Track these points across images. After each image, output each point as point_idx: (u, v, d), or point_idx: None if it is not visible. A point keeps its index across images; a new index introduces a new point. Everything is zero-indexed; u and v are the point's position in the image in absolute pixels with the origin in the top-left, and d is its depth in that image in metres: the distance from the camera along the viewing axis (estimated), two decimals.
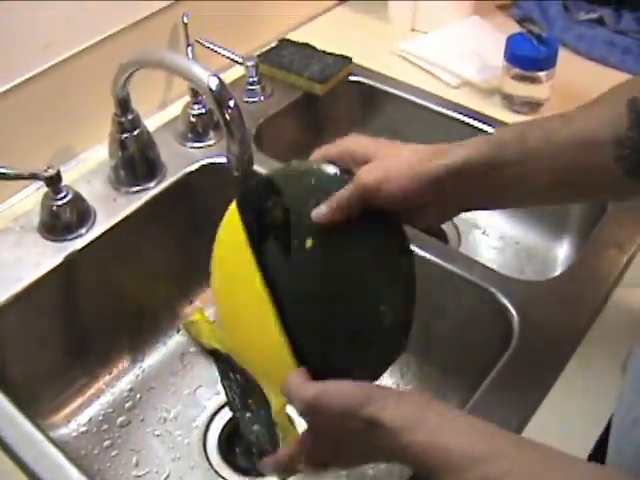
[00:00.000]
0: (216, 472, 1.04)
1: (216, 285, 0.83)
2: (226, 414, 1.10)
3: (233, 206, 0.80)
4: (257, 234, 0.76)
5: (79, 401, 1.12)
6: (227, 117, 0.87)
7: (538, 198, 0.79)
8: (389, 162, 0.74)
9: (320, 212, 0.72)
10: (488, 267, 1.01)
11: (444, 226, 0.82)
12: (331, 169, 0.78)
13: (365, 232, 0.75)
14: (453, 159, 0.72)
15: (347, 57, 1.36)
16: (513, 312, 0.94)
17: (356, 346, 0.74)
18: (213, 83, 0.86)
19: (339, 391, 0.67)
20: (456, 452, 0.62)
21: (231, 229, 0.79)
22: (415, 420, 0.64)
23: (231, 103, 0.87)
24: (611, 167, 0.70)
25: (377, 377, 0.76)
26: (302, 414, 0.69)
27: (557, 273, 1.03)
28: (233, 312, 0.80)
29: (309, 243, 0.73)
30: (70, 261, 1.04)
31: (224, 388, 1.07)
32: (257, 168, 1.01)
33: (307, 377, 0.70)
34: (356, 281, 0.74)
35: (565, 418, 0.84)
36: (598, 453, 0.80)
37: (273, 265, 0.74)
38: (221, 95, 0.87)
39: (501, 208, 1.01)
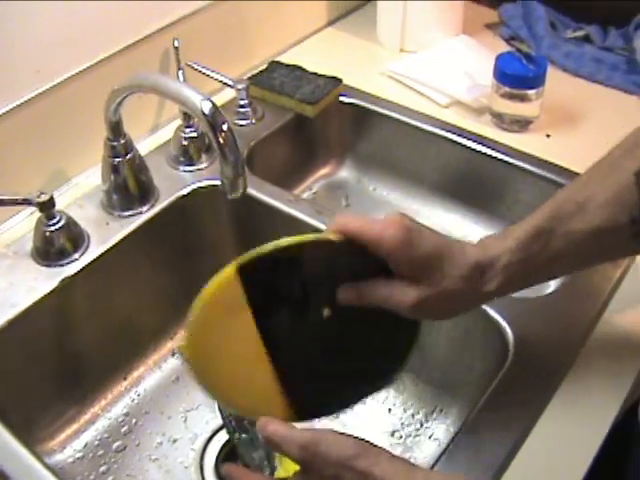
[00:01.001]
0: None
1: (205, 350, 0.75)
2: (223, 437, 1.09)
3: (231, 274, 0.73)
4: (264, 303, 0.73)
5: (75, 426, 1.11)
6: (221, 141, 0.87)
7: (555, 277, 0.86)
8: (437, 295, 0.74)
9: (347, 296, 0.75)
10: None
11: None
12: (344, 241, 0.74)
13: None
14: (495, 284, 0.74)
15: (337, 78, 1.37)
16: (507, 330, 0.94)
17: (345, 401, 0.80)
18: (206, 107, 0.87)
19: (337, 441, 0.69)
20: None
21: (231, 296, 0.73)
22: (406, 473, 0.67)
23: (224, 127, 0.87)
24: (628, 243, 0.73)
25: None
26: (300, 458, 0.69)
27: (550, 290, 1.03)
28: (230, 377, 0.75)
29: (326, 312, 0.75)
30: (64, 286, 1.03)
31: (220, 411, 1.07)
32: (249, 190, 1.02)
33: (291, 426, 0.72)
34: (364, 345, 0.78)
35: (561, 436, 0.84)
36: (594, 471, 0.81)
37: (281, 332, 0.74)
38: (214, 119, 0.87)
39: None
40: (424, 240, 0.73)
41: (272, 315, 0.73)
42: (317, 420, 0.79)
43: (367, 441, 0.70)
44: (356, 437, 0.70)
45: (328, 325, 0.76)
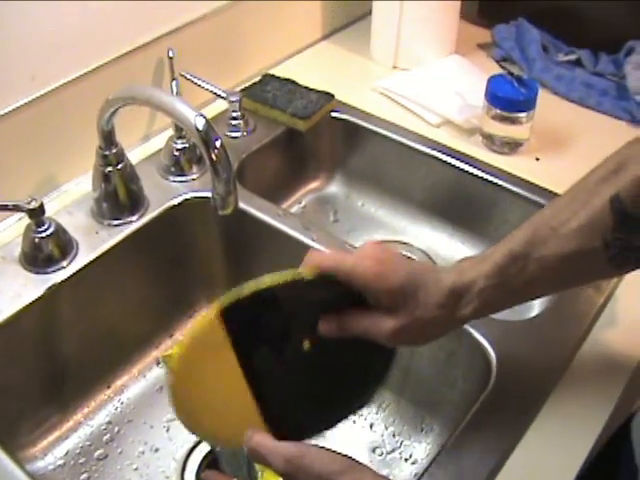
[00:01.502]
0: None
1: (187, 388, 0.75)
2: (204, 448, 1.09)
3: (212, 317, 0.73)
4: (246, 343, 0.74)
5: (57, 434, 1.11)
6: (213, 158, 0.87)
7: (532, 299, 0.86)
8: (413, 323, 0.75)
9: (328, 329, 0.76)
10: None
11: None
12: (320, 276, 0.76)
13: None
14: (470, 309, 0.75)
15: (330, 94, 1.37)
16: (491, 352, 0.94)
17: (325, 424, 0.81)
18: (200, 123, 0.87)
19: (322, 456, 0.69)
20: None
21: (213, 337, 0.74)
22: None
23: (217, 143, 0.88)
24: (604, 267, 0.73)
25: None
26: (284, 471, 0.70)
27: (534, 313, 1.04)
28: (212, 411, 0.76)
29: (307, 345, 0.76)
30: (51, 293, 1.03)
31: None
32: (240, 204, 1.02)
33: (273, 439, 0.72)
34: (343, 370, 0.80)
35: (543, 458, 0.84)
36: None
37: (263, 367, 0.75)
38: (208, 135, 0.87)
39: None
40: (398, 271, 0.74)
41: (254, 353, 0.74)
42: None
43: (352, 458, 0.70)
44: (341, 453, 0.70)
45: (308, 356, 0.77)
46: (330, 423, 0.81)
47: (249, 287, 0.72)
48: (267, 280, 0.73)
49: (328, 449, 0.70)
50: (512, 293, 0.76)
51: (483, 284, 0.74)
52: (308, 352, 0.76)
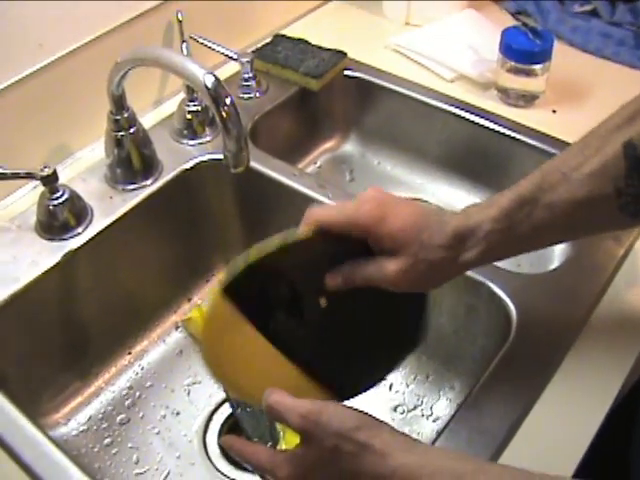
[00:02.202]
0: (216, 468, 1.04)
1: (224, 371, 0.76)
2: (226, 410, 1.10)
3: (218, 298, 0.74)
4: (260, 313, 0.74)
5: (78, 399, 1.12)
6: (224, 115, 0.87)
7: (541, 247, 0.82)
8: (417, 263, 0.74)
9: (334, 281, 0.76)
10: None
11: None
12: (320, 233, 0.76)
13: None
14: (475, 253, 0.74)
15: (342, 52, 1.36)
16: (511, 305, 0.94)
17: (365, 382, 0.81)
18: (209, 81, 0.86)
19: (338, 412, 0.69)
20: (446, 469, 0.64)
21: (226, 317, 0.74)
22: (406, 446, 0.67)
23: (227, 101, 0.87)
24: (615, 216, 0.72)
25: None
26: (300, 428, 0.69)
27: (553, 266, 1.03)
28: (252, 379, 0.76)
29: (323, 302, 0.76)
30: (67, 260, 1.03)
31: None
32: (253, 164, 1.01)
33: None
34: (371, 324, 0.79)
35: (563, 412, 0.84)
36: (595, 450, 0.81)
37: (287, 333, 0.75)
38: (217, 93, 0.87)
39: None
40: (400, 212, 0.74)
41: (270, 321, 0.74)
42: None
43: (369, 414, 0.70)
44: (358, 409, 0.70)
45: (329, 313, 0.77)
46: (375, 378, 0.82)
47: (241, 261, 0.73)
48: (254, 252, 0.73)
49: (345, 406, 0.70)
50: (519, 239, 0.74)
51: (489, 227, 0.73)
52: (327, 309, 0.76)
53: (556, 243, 0.92)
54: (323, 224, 0.74)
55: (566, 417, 0.84)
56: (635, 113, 0.72)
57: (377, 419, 0.70)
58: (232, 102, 0.87)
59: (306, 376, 0.75)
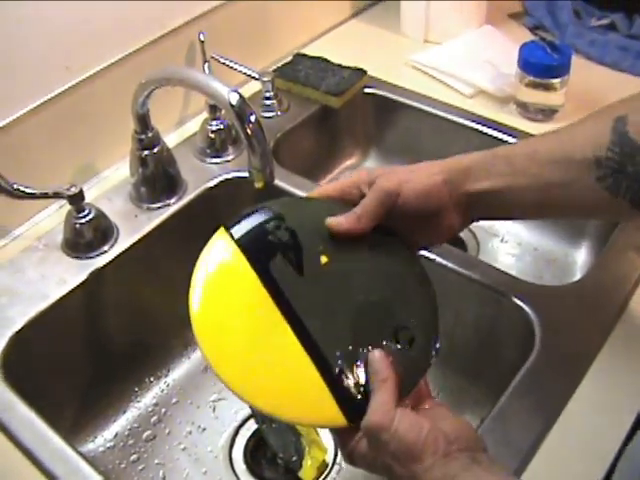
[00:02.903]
0: None
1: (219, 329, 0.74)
2: (251, 426, 1.10)
3: (222, 239, 0.78)
4: (262, 259, 0.75)
5: (105, 416, 1.13)
6: (248, 132, 0.88)
7: (525, 214, 0.83)
8: (405, 172, 0.77)
9: (338, 221, 0.76)
10: (508, 273, 1.01)
11: (463, 234, 0.83)
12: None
13: (374, 243, 0.78)
14: (482, 185, 0.76)
15: (362, 70, 1.37)
16: (534, 318, 0.94)
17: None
18: (234, 99, 0.87)
19: (400, 433, 0.65)
20: None
21: (228, 264, 0.76)
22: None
23: (252, 118, 0.88)
24: (594, 187, 0.72)
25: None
26: (365, 435, 0.68)
27: (576, 278, 1.04)
28: (249, 350, 0.72)
29: (324, 259, 0.76)
30: (94, 278, 1.05)
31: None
32: (276, 181, 1.02)
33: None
34: (376, 287, 0.77)
35: (589, 421, 0.84)
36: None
37: (287, 289, 0.74)
38: (242, 110, 0.88)
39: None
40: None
41: (271, 266, 0.74)
42: None
43: (429, 432, 0.66)
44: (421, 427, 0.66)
45: (330, 272, 0.76)
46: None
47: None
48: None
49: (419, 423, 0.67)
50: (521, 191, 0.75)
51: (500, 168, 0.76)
52: (327, 268, 0.76)
53: (535, 216, 0.96)
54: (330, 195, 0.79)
55: (591, 428, 0.84)
56: (630, 97, 0.74)
57: (435, 437, 0.65)
58: (256, 119, 0.89)
59: (294, 333, 0.72)
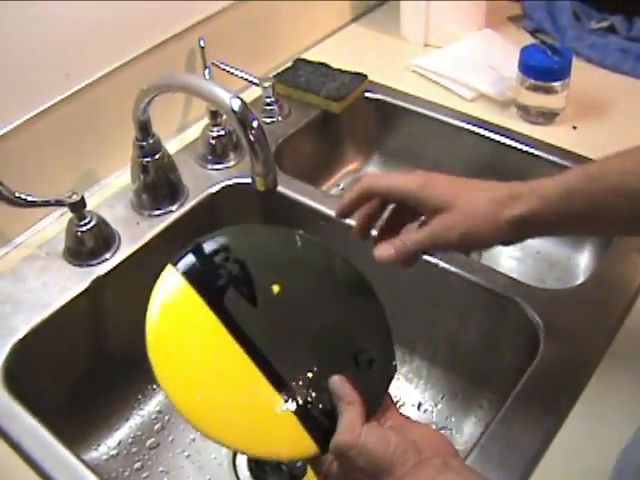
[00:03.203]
0: None
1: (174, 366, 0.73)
2: None
3: (172, 276, 0.78)
4: (214, 293, 0.75)
5: (108, 424, 1.12)
6: (251, 137, 0.87)
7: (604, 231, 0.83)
8: (465, 216, 0.75)
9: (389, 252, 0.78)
10: (511, 277, 1.01)
11: None
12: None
13: (324, 266, 0.81)
14: (525, 209, 0.73)
15: (362, 74, 1.37)
16: (538, 321, 0.94)
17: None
18: (236, 104, 0.87)
19: (369, 449, 0.66)
20: None
21: (180, 298, 0.76)
22: None
23: (254, 124, 0.88)
24: None
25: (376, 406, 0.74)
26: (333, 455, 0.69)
27: (579, 281, 1.03)
28: (208, 383, 0.72)
29: (276, 289, 0.77)
30: (96, 286, 1.04)
31: None
32: (278, 187, 1.02)
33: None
34: (330, 312, 0.79)
35: (595, 423, 0.84)
36: None
37: (242, 320, 0.74)
38: (244, 116, 0.87)
39: None
40: (441, 177, 0.79)
41: (224, 299, 0.75)
42: None
43: (396, 447, 0.66)
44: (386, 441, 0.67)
45: (283, 301, 0.77)
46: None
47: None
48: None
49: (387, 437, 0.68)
50: (572, 212, 0.73)
51: (545, 191, 0.73)
52: (280, 296, 0.77)
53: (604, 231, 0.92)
54: (374, 190, 0.79)
55: (597, 431, 0.83)
56: None
57: (404, 450, 0.66)
58: (259, 124, 0.88)
59: (255, 365, 0.72)
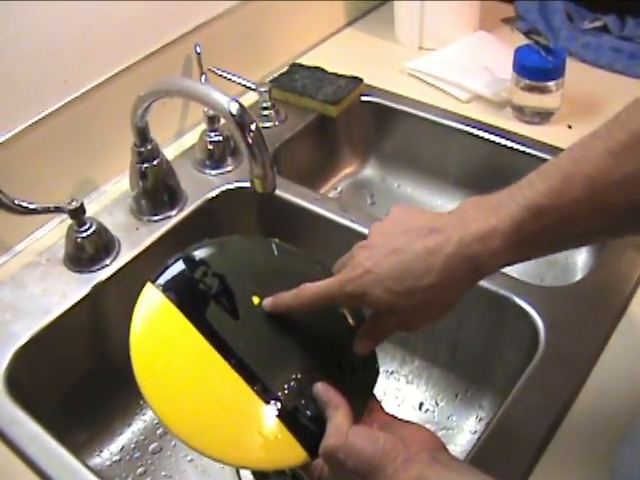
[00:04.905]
0: None
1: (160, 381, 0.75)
2: None
3: (153, 295, 0.79)
4: (195, 309, 0.76)
5: (111, 430, 1.12)
6: (249, 140, 0.88)
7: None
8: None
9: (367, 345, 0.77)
10: (509, 275, 1.01)
11: None
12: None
13: (303, 275, 0.78)
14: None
15: (358, 78, 1.38)
16: (537, 319, 0.94)
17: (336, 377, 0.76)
18: (234, 108, 0.88)
19: (356, 450, 0.67)
20: None
21: (161, 315, 0.77)
22: None
23: (252, 127, 0.88)
24: None
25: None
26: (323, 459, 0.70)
27: (577, 278, 1.04)
28: (195, 400, 0.73)
29: (257, 300, 0.78)
30: (96, 292, 1.05)
31: None
32: (277, 191, 1.03)
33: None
34: (311, 321, 0.79)
35: (595, 419, 0.84)
36: None
37: (225, 333, 0.75)
38: (242, 119, 0.88)
39: None
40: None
41: (206, 313, 0.76)
42: None
43: (385, 448, 0.67)
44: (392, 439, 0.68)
45: (265, 313, 0.78)
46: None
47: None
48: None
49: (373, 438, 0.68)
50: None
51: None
52: (261, 307, 0.78)
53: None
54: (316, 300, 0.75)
55: (597, 426, 0.84)
56: None
57: (393, 449, 0.67)
58: (257, 128, 0.89)
59: (240, 376, 0.73)
